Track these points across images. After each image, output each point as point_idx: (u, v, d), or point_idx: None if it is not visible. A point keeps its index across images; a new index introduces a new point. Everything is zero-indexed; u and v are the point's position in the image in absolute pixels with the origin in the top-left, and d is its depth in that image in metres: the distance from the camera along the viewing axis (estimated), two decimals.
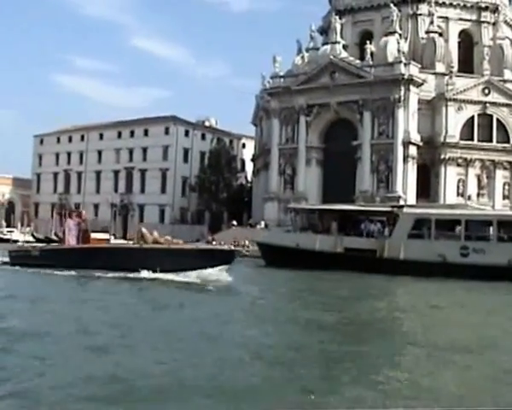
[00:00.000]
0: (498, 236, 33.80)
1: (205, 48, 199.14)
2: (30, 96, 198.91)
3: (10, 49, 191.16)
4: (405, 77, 67.98)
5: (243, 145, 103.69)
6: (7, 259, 30.21)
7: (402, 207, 38.38)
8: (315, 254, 37.58)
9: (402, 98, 67.96)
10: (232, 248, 25.21)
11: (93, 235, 27.64)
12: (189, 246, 27.41)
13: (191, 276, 24.92)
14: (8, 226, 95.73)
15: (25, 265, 27.83)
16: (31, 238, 77.48)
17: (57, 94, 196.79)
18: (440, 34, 76.44)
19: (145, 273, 24.97)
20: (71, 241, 27.26)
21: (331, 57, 71.82)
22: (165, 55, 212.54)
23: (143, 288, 23.23)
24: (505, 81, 72.81)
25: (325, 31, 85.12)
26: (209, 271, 24.78)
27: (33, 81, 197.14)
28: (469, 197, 65.08)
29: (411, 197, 66.66)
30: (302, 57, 76.10)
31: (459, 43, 79.18)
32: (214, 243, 70.73)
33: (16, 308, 17.29)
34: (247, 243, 57.21)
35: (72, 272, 25.67)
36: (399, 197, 65.37)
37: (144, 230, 27.43)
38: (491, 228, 34.51)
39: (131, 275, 24.83)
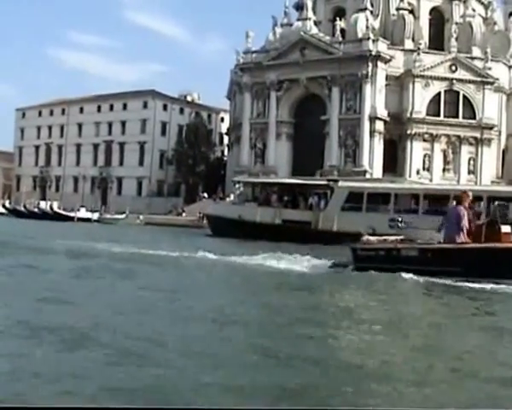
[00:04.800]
0: (424, 209, 35.27)
1: (201, 24, 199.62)
2: (27, 72, 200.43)
3: (7, 23, 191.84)
4: (373, 53, 69.13)
5: (222, 119, 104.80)
6: (338, 259, 18.93)
7: (337, 181, 39.80)
8: (255, 226, 39.03)
9: (369, 74, 69.16)
10: None
11: None
12: None
13: None
14: None
15: (383, 269, 16.51)
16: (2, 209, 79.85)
17: (54, 69, 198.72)
18: (411, 11, 77.47)
19: None
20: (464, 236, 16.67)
21: (301, 33, 72.92)
22: (162, 30, 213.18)
23: None
24: (473, 58, 73.79)
25: (300, 7, 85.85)
26: None
27: (30, 56, 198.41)
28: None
29: (378, 172, 68.08)
30: (274, 33, 77.09)
31: (430, 20, 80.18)
32: (184, 214, 72.54)
33: None
34: None
35: None
36: (365, 172, 66.86)
37: None
38: (419, 201, 35.99)
39: None
